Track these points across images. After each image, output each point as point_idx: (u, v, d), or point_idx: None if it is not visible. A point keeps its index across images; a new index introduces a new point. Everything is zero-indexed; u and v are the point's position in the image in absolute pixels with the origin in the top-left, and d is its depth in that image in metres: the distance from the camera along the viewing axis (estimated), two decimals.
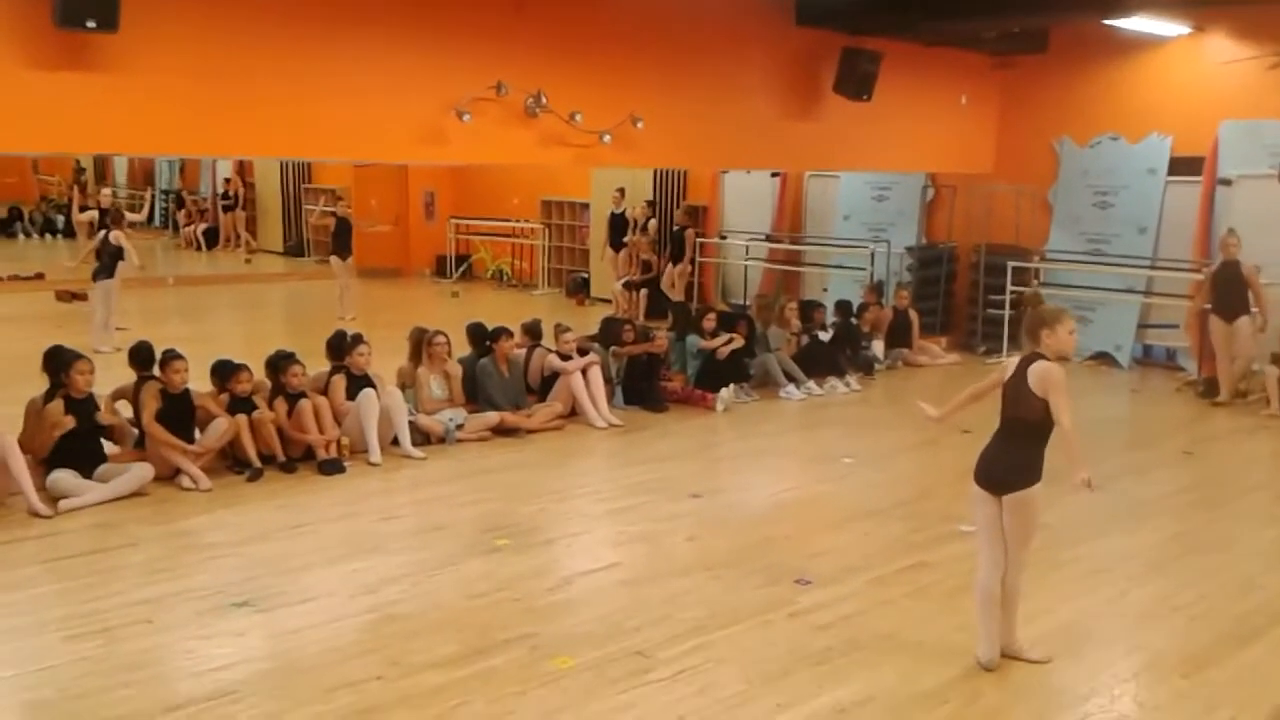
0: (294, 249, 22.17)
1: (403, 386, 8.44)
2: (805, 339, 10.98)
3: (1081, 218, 12.70)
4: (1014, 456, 4.60)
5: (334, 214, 15.36)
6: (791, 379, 10.47)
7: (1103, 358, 12.49)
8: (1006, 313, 12.48)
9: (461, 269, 19.47)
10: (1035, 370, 4.52)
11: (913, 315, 12.45)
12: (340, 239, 14.76)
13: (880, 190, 14.30)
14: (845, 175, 14.39)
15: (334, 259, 14.80)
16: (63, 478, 6.72)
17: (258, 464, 7.34)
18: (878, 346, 11.97)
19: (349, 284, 14.65)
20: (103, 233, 12.21)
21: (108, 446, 7.17)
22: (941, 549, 6.22)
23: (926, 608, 5.41)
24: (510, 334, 9.10)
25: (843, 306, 11.83)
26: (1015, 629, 4.75)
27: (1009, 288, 12.43)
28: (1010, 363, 4.73)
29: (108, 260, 11.92)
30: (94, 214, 13.68)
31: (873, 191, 14.36)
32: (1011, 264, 12.43)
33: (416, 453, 7.94)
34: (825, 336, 11.27)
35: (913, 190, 13.94)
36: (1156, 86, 12.15)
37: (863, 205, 14.44)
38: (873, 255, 13.37)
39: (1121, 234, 12.36)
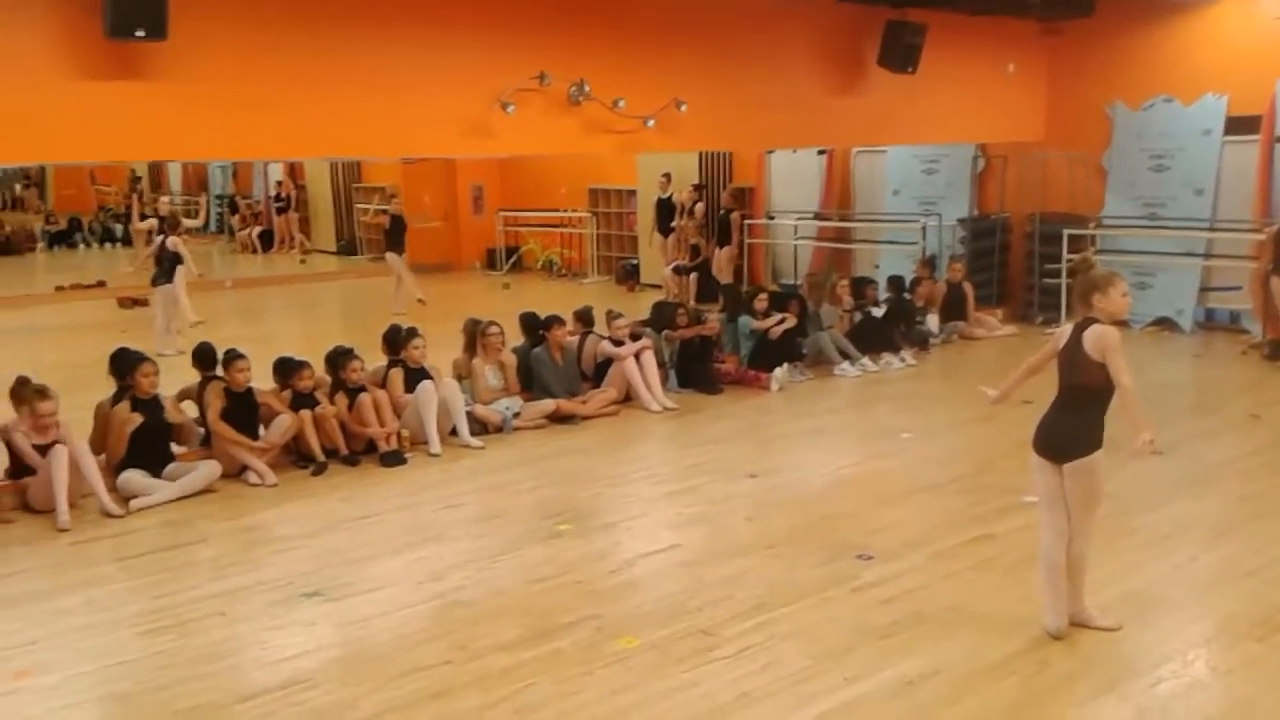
0: (346, 248, 22.44)
1: (459, 378, 8.53)
2: (858, 316, 10.91)
3: (1137, 182, 12.47)
4: (1074, 423, 4.55)
5: (387, 211, 15.54)
6: (846, 356, 10.42)
7: (1164, 323, 12.27)
8: (1063, 281, 12.27)
9: (511, 261, 19.58)
10: (1091, 334, 4.46)
11: (967, 288, 12.31)
12: (394, 236, 14.94)
13: (929, 163, 14.14)
14: (893, 149, 14.24)
15: (390, 255, 14.97)
16: (133, 477, 6.89)
17: (322, 458, 7.46)
18: (932, 320, 11.86)
19: (406, 279, 14.76)
20: (160, 239, 12.44)
21: (175, 446, 7.32)
22: (1004, 521, 6.16)
23: (991, 580, 5.37)
24: (563, 322, 9.15)
25: (895, 282, 11.73)
26: (1083, 597, 4.70)
27: (1065, 256, 12.23)
28: (1064, 330, 4.68)
29: (166, 266, 12.13)
30: (153, 222, 13.87)
31: (922, 165, 14.21)
32: (1067, 232, 12.25)
33: (475, 442, 8.02)
34: (878, 312, 11.19)
35: (963, 162, 13.77)
36: (1209, 46, 11.89)
37: (912, 179, 14.29)
38: (924, 229, 13.23)
39: (1178, 197, 12.12)
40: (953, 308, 12.12)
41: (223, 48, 7.16)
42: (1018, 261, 13.40)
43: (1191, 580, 5.39)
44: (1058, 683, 4.31)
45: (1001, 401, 5.08)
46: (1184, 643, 4.64)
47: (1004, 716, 4.04)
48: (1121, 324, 4.59)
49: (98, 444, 6.94)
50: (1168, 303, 12.25)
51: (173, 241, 12.19)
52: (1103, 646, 4.61)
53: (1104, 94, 12.63)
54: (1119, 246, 12.48)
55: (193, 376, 7.65)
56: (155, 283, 12.20)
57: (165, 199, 17.36)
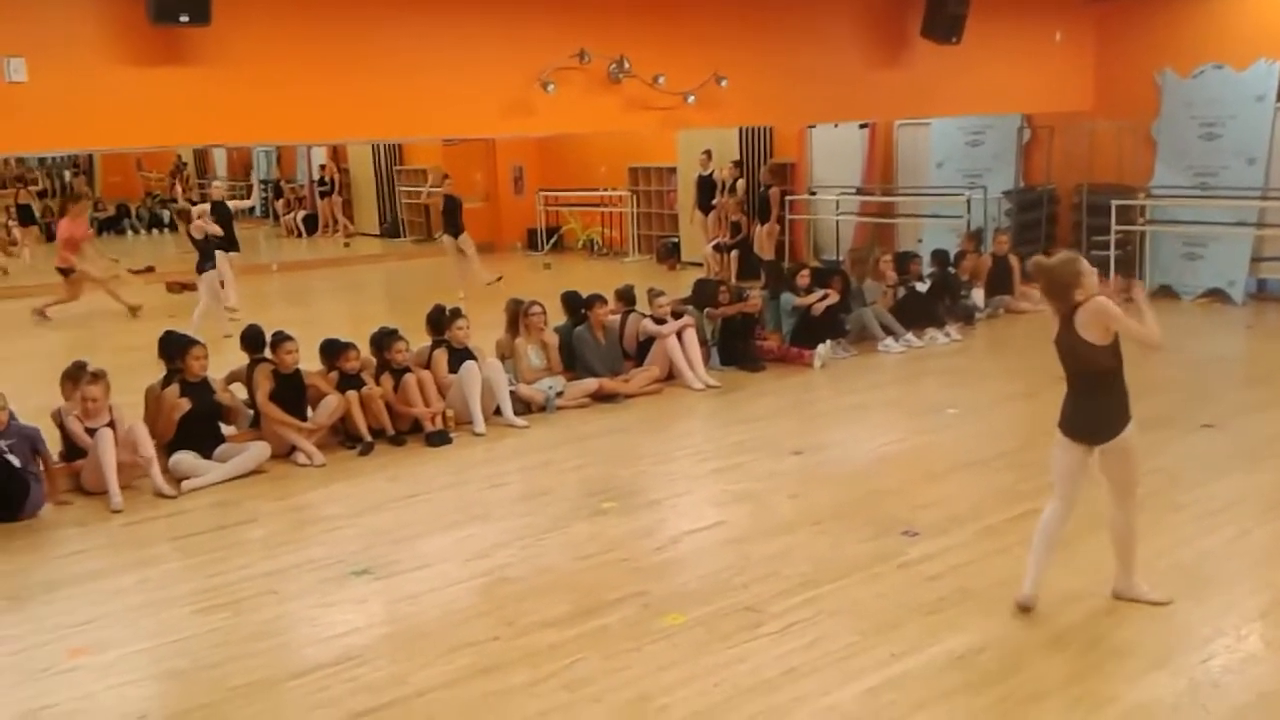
0: (390, 230, 22.58)
1: (502, 358, 8.56)
2: (902, 291, 10.81)
3: (1187, 151, 12.23)
4: (1098, 407, 4.44)
5: (435, 194, 15.28)
6: (889, 332, 10.34)
7: (1215, 295, 12.05)
8: (1112, 253, 12.12)
9: (552, 241, 19.61)
10: (1083, 315, 4.31)
11: (1013, 261, 12.15)
12: (449, 217, 14.75)
13: (974, 135, 13.95)
14: (937, 122, 14.06)
15: (446, 238, 14.81)
16: (184, 459, 7.00)
17: (369, 438, 7.53)
18: (977, 295, 11.72)
19: (473, 260, 14.56)
20: (189, 226, 12.48)
21: (225, 427, 7.43)
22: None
23: None
24: (604, 301, 9.15)
25: (939, 256, 11.61)
26: (1134, 572, 4.65)
27: (1113, 227, 12.07)
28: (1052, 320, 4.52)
29: (207, 252, 12.16)
30: (204, 207, 13.98)
31: (966, 137, 14.02)
32: (1115, 202, 12.06)
33: (519, 421, 8.06)
34: (923, 287, 11.08)
35: (1008, 133, 13.57)
36: (1261, 10, 11.62)
37: (956, 151, 14.12)
38: (969, 202, 13.07)
39: (1230, 166, 11.88)
40: (998, 281, 11.97)
41: (265, 32, 7.22)
42: (1065, 234, 13.20)
43: (1244, 554, 5.32)
44: (1109, 657, 4.26)
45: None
46: (1238, 617, 4.57)
47: (1054, 691, 4.01)
48: (1172, 295, 4.49)
49: (150, 426, 7.05)
50: (1219, 274, 12.03)
51: (195, 228, 12.25)
52: (1155, 621, 4.56)
53: (1153, 61, 12.38)
54: (1169, 217, 12.28)
55: (231, 360, 7.72)
56: (199, 270, 12.24)
57: (218, 183, 17.55)
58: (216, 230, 12.42)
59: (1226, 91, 11.89)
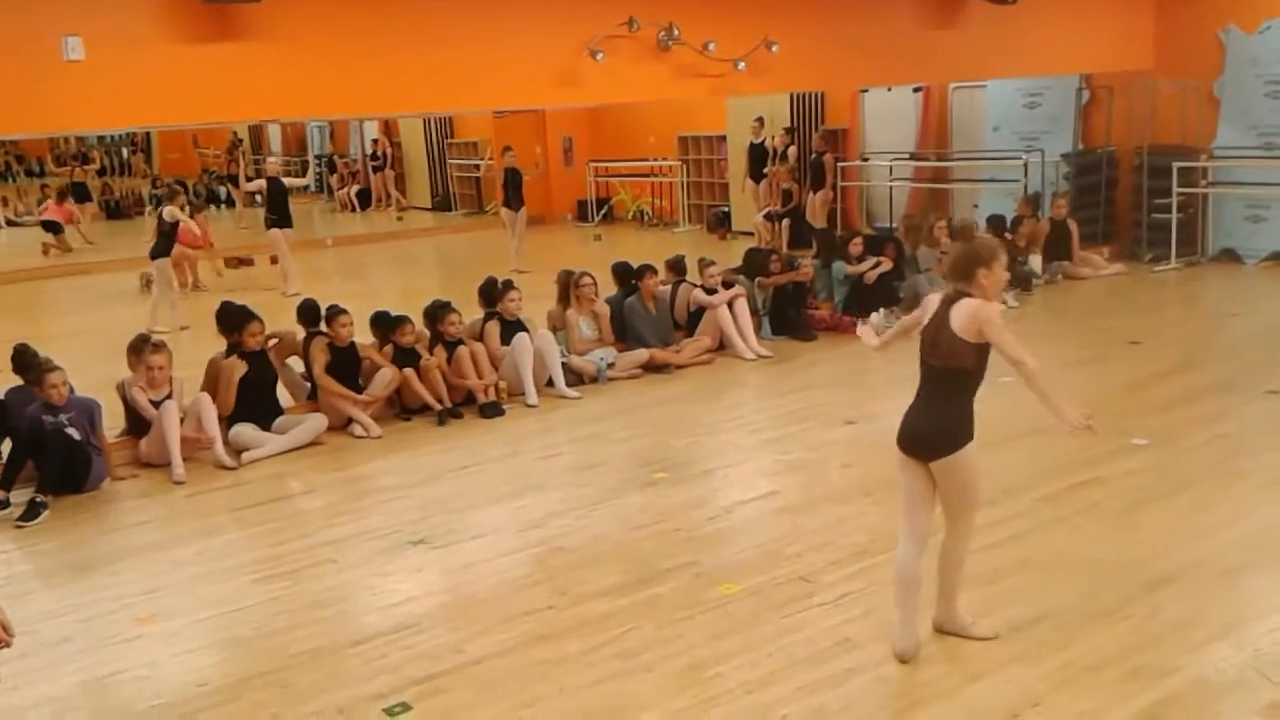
0: (441, 203, 22.69)
1: (554, 329, 8.58)
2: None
3: (1252, 110, 11.89)
4: (940, 414, 3.92)
5: (503, 165, 14.91)
6: None
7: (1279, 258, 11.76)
8: (1174, 216, 11.87)
9: (603, 212, 19.58)
10: (963, 310, 3.81)
11: (1071, 226, 11.93)
12: (509, 190, 14.58)
13: (1031, 97, 13.66)
14: (992, 84, 13.79)
15: (504, 210, 14.64)
16: (244, 431, 7.11)
17: (438, 406, 7.58)
18: (1035, 261, 11.52)
19: (521, 235, 14.39)
20: (160, 209, 11.75)
21: (283, 399, 7.53)
22: (1114, 464, 6.01)
23: (1100, 525, 5.25)
24: (655, 271, 9.13)
25: (995, 221, 11.42)
26: (956, 602, 4.14)
27: (1175, 190, 11.79)
28: (932, 300, 4.04)
29: (162, 239, 11.48)
30: (261, 183, 14.06)
31: (1023, 99, 13.73)
32: (1177, 164, 11.77)
33: (571, 393, 8.08)
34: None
35: (1066, 94, 13.26)
36: None
37: (1013, 114, 13.84)
38: (1026, 166, 12.82)
39: None
40: (1057, 247, 11.77)
41: (316, 6, 7.24)
42: (1125, 197, 12.92)
43: None
44: (1170, 629, 4.20)
45: (882, 350, 4.65)
46: None
47: (1113, 662, 3.96)
48: (1235, 258, 4.33)
49: (211, 397, 7.16)
50: None
51: (170, 211, 11.65)
52: (1217, 591, 4.49)
53: (1216, 18, 12.03)
54: (1232, 178, 11.98)
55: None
56: (153, 256, 11.43)
57: (274, 159, 17.69)
58: (190, 223, 11.96)
59: None
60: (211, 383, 7.27)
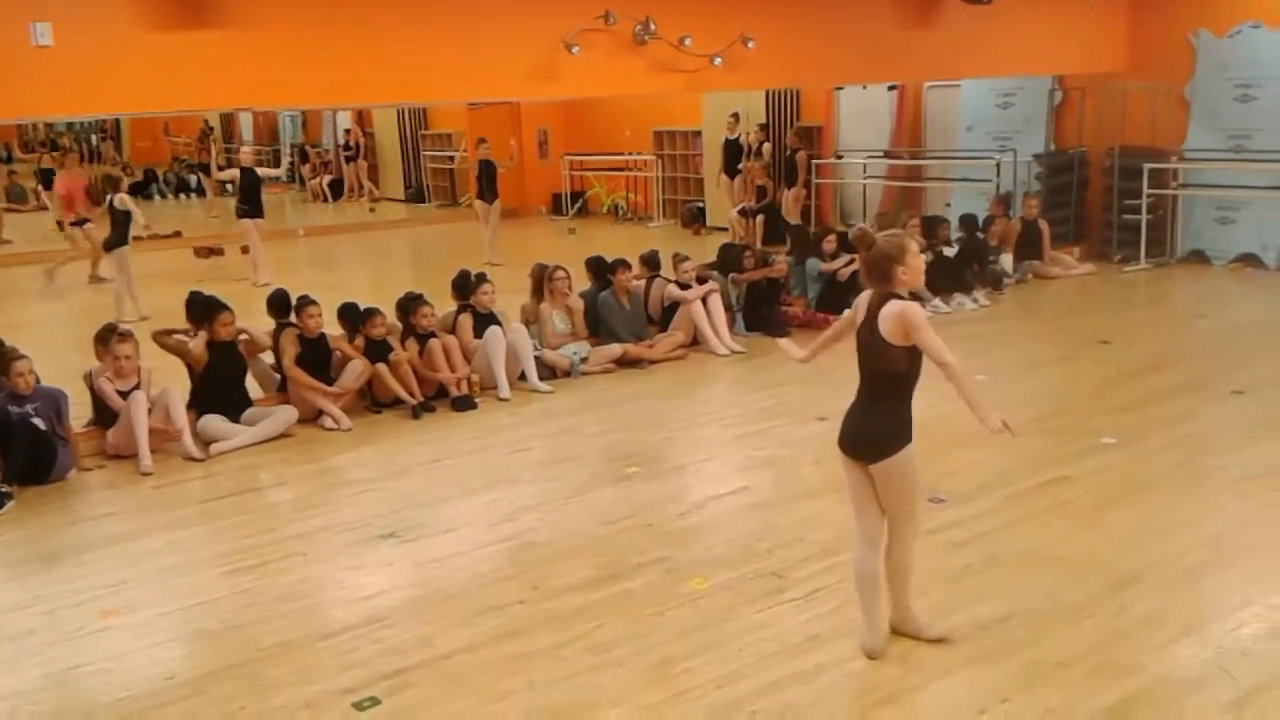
0: (414, 195, 22.58)
1: (527, 323, 8.57)
2: (930, 256, 10.70)
3: (1221, 113, 12.02)
4: (877, 417, 3.92)
5: (478, 157, 14.81)
6: (916, 297, 10.23)
7: (1248, 259, 11.89)
8: (1144, 217, 11.98)
9: (577, 205, 19.55)
10: (887, 314, 3.79)
11: (1043, 225, 12.03)
12: (484, 182, 14.52)
13: (1004, 97, 13.75)
14: (967, 84, 13.86)
15: (478, 203, 14.60)
16: (213, 422, 7.05)
17: (412, 400, 7.54)
18: (1006, 260, 11.61)
19: (494, 227, 14.34)
20: (108, 198, 11.49)
21: (253, 391, 7.47)
22: (1083, 463, 6.06)
23: (1068, 523, 5.29)
24: (629, 266, 9.12)
25: (968, 221, 11.49)
26: (910, 604, 4.13)
27: (1145, 191, 11.91)
28: (860, 301, 4.01)
29: (117, 228, 11.22)
30: (234, 172, 13.92)
31: (996, 99, 13.82)
32: (1148, 166, 11.89)
33: (544, 387, 8.07)
34: (951, 252, 10.98)
35: (1039, 95, 13.35)
36: None
37: (986, 114, 13.92)
38: (998, 165, 12.90)
39: (1265, 129, 11.66)
40: (1028, 246, 11.86)
41: None
42: (1095, 197, 13.04)
43: (1274, 522, 5.26)
44: (1136, 626, 4.24)
45: (808, 361, 4.62)
46: (1268, 586, 4.53)
47: (1080, 659, 3.99)
48: (1204, 259, 4.36)
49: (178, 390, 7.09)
50: (1252, 238, 11.86)
51: (120, 199, 11.36)
52: (1182, 589, 4.54)
53: (1187, 21, 12.15)
54: (1202, 180, 12.10)
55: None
56: (109, 247, 11.25)
57: (246, 148, 17.53)
58: (137, 213, 11.56)
59: (1263, 52, 11.66)
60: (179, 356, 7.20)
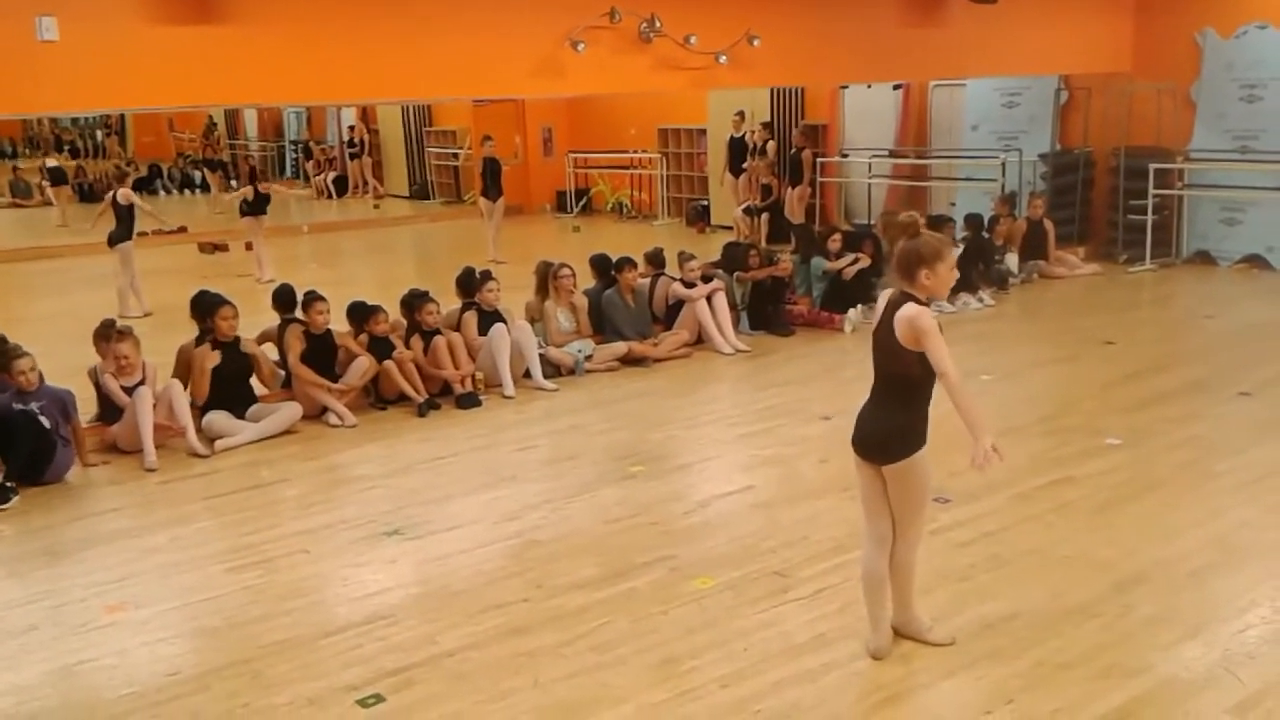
0: (419, 192, 22.57)
1: (531, 320, 8.56)
2: None
3: (1227, 114, 12.00)
4: (890, 419, 3.87)
5: (482, 155, 14.87)
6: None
7: (1253, 260, 11.87)
8: (1149, 218, 11.96)
9: (581, 203, 19.54)
10: (902, 318, 3.72)
11: (1048, 225, 12.01)
12: (489, 179, 14.54)
13: (1010, 96, 13.73)
14: (972, 83, 13.86)
15: (483, 200, 14.62)
16: (217, 418, 7.05)
17: (418, 397, 7.53)
18: (1011, 260, 11.60)
19: (497, 225, 14.33)
20: (110, 193, 11.59)
21: (257, 388, 7.47)
22: (1087, 463, 6.05)
23: (1073, 523, 5.28)
24: (634, 264, 9.11)
25: (973, 220, 11.46)
26: (913, 606, 4.10)
27: (1151, 191, 11.89)
28: (881, 299, 3.95)
29: (120, 224, 11.28)
30: (248, 189, 13.88)
31: (1002, 98, 13.81)
32: (1153, 166, 11.87)
33: (548, 384, 8.06)
34: (955, 252, 10.95)
35: (1045, 94, 13.34)
36: None
37: (992, 113, 13.91)
38: (1004, 165, 12.89)
39: (1270, 129, 11.65)
40: (1033, 246, 11.84)
41: None
42: (1101, 198, 13.03)
43: None
44: (1141, 627, 4.23)
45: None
46: (1273, 588, 4.51)
47: (1085, 660, 3.98)
48: (1209, 260, 4.32)
49: (182, 383, 7.09)
50: (1258, 239, 11.84)
51: (123, 194, 11.41)
52: (1188, 592, 4.52)
53: (1193, 21, 12.13)
54: (1207, 181, 12.08)
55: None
56: (112, 242, 11.20)
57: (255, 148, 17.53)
58: (148, 208, 11.74)
59: (1269, 53, 11.64)
60: (183, 369, 7.20)
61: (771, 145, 15.58)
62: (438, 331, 7.88)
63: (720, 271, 9.66)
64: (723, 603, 4.53)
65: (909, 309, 3.72)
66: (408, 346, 7.76)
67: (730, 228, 15.56)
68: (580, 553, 5.11)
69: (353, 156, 23.67)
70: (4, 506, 5.95)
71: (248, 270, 13.21)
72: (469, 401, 7.67)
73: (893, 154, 14.87)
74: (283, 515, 5.84)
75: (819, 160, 15.19)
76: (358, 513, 5.75)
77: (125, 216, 11.34)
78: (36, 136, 29.78)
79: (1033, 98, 13.50)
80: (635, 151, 18.69)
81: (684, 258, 9.35)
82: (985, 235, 11.37)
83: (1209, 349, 8.72)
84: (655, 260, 9.51)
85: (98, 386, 6.95)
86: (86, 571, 5.14)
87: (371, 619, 4.51)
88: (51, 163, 22.54)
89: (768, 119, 15.97)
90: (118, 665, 4.24)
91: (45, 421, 6.31)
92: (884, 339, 3.82)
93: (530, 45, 8.19)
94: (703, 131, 17.31)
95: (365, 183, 23.52)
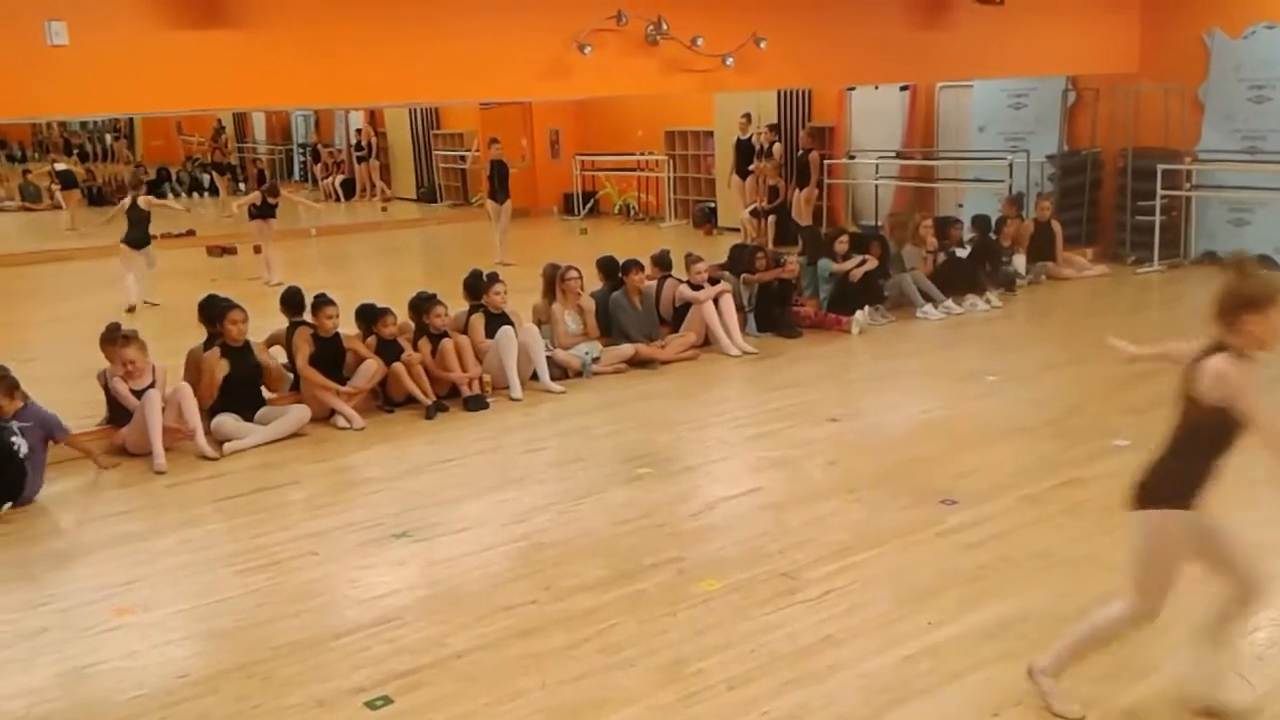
0: (426, 195, 22.62)
1: (539, 323, 8.57)
2: (942, 257, 10.70)
3: (1235, 114, 11.96)
4: (1160, 461, 3.51)
5: (490, 157, 14.92)
6: (928, 298, 10.24)
7: (1262, 261, 11.79)
8: (1157, 219, 11.93)
9: (589, 205, 19.56)
10: (1210, 369, 3.25)
11: (1055, 227, 11.99)
12: (496, 182, 14.58)
13: (1017, 98, 13.71)
14: (979, 84, 13.84)
15: (490, 203, 14.65)
16: (226, 421, 7.07)
17: (427, 400, 7.54)
18: (1019, 261, 11.58)
19: (505, 227, 14.34)
20: (129, 198, 11.91)
21: (265, 391, 7.49)
22: (1095, 465, 6.03)
23: (1081, 525, 5.27)
24: (641, 266, 9.12)
25: (980, 221, 11.46)
26: (1064, 664, 3.69)
27: (1159, 192, 11.86)
28: (1195, 344, 3.47)
29: (134, 227, 11.55)
30: (256, 195, 13.92)
31: (1009, 99, 13.79)
32: (1161, 167, 11.84)
33: (555, 386, 8.07)
34: (963, 253, 10.96)
35: (1052, 95, 13.31)
36: None
37: (999, 115, 13.89)
38: (1011, 166, 12.87)
39: (1279, 130, 11.60)
40: (1040, 247, 11.82)
41: None
42: (1109, 198, 12.99)
43: None
44: (1150, 628, 4.21)
45: (1133, 363, 4.26)
46: None
47: (1094, 661, 3.96)
48: (1217, 261, 4.25)
49: (192, 389, 7.11)
50: (1266, 240, 11.76)
51: (145, 200, 11.70)
52: (1196, 594, 4.50)
53: (1201, 22, 12.09)
54: (1215, 182, 12.05)
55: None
56: (138, 246, 11.62)
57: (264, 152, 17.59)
58: (172, 205, 12.06)
59: (1278, 53, 11.60)
60: (192, 373, 7.22)
61: (778, 147, 15.57)
62: (445, 334, 7.89)
63: (727, 273, 9.66)
64: (730, 604, 4.54)
65: (1219, 363, 3.24)
66: (416, 349, 7.77)
67: (737, 230, 15.57)
68: (588, 554, 5.12)
69: (360, 160, 23.72)
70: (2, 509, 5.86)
71: (256, 273, 13.25)
72: (477, 404, 7.68)
73: (900, 155, 14.86)
74: (292, 517, 5.86)
75: (826, 162, 15.17)
76: (366, 515, 5.76)
77: (139, 221, 11.41)
78: (46, 140, 29.90)
79: (1040, 99, 13.47)
80: (642, 154, 18.71)
81: (691, 260, 9.35)
82: (992, 236, 11.35)
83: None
84: (662, 262, 9.52)
85: (107, 390, 6.98)
86: (96, 574, 5.16)
87: (380, 621, 4.52)
88: (61, 166, 22.62)
89: (775, 121, 15.97)
90: (128, 667, 4.26)
91: (23, 445, 6.01)
92: (1188, 383, 3.38)
93: (537, 48, 8.20)
94: (710, 134, 17.32)
95: (373, 186, 23.57)
